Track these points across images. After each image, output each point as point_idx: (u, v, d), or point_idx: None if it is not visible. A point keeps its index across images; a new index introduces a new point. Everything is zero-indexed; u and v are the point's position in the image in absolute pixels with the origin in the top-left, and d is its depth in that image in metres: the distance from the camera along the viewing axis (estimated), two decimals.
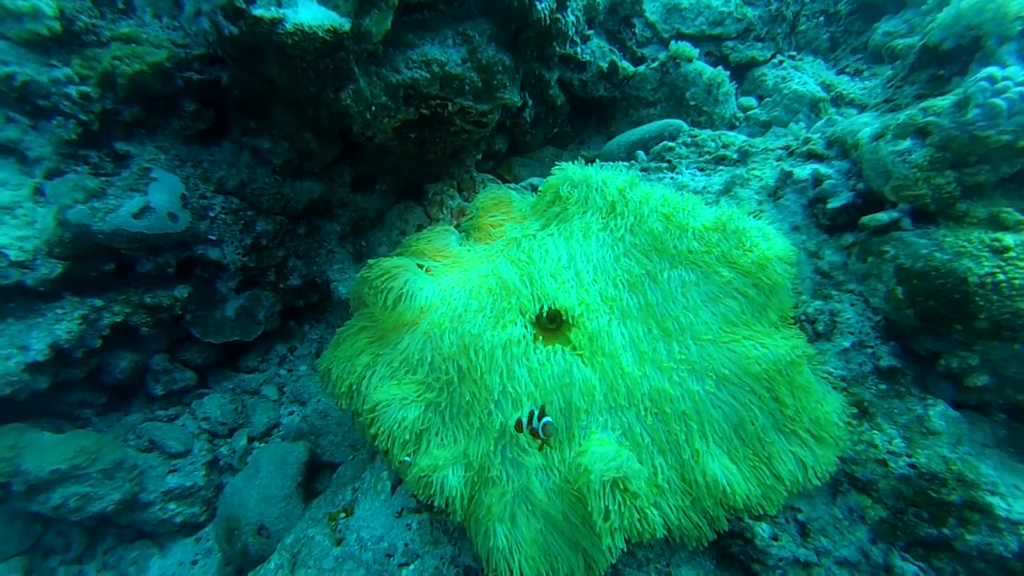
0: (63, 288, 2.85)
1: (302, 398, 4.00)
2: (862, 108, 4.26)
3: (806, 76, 4.50)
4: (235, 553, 3.10)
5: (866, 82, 4.62)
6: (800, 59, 4.92)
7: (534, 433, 2.08)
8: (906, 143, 2.15)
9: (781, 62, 4.66)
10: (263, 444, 3.77)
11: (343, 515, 2.70)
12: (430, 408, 2.38)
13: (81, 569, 3.14)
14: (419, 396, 2.41)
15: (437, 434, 2.36)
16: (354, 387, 2.55)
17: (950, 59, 2.34)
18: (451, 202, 4.00)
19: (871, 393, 2.20)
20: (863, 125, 2.50)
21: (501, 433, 2.26)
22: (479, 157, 4.31)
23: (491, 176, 4.30)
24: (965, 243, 1.99)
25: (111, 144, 2.88)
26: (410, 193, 4.33)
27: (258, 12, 2.36)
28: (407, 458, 2.29)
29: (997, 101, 1.85)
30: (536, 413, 2.08)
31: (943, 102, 2.09)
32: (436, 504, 2.22)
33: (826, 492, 2.18)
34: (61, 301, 2.85)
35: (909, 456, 1.99)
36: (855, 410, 2.18)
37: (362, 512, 2.67)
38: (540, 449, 2.19)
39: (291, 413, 4.00)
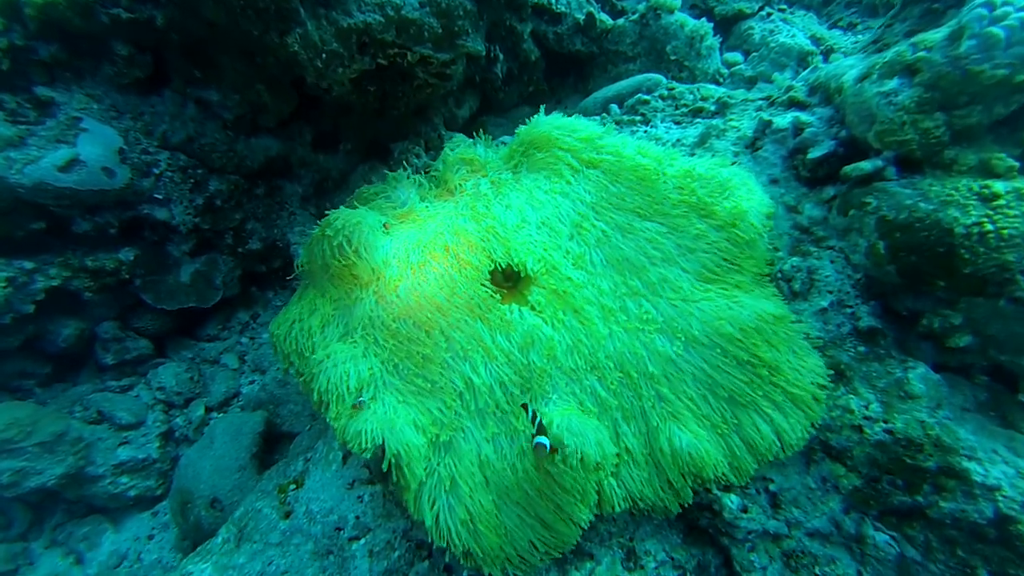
0: None
1: (263, 367, 3.83)
2: None
3: (795, 29, 4.27)
4: (189, 527, 2.97)
5: (859, 36, 4.39)
6: (791, 13, 4.67)
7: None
8: (892, 83, 1.97)
9: (769, 15, 4.42)
10: (221, 414, 3.62)
11: (293, 487, 2.56)
12: (381, 366, 2.21)
13: (26, 546, 3.00)
14: (373, 355, 2.24)
15: (388, 392, 2.19)
16: (304, 347, 2.38)
17: None
18: (417, 161, 3.77)
19: (849, 356, 2.06)
20: (848, 68, 2.31)
21: (457, 395, 2.11)
22: (448, 115, 4.07)
23: (461, 135, 4.06)
24: (952, 192, 1.83)
25: (30, 88, 2.62)
26: (376, 153, 4.09)
27: None
28: (363, 397, 2.07)
29: (995, 30, 1.66)
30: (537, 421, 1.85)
31: (935, 35, 1.90)
32: (385, 462, 2.03)
33: (799, 461, 2.06)
34: None
35: (886, 422, 1.86)
36: (832, 373, 2.03)
37: (312, 484, 2.53)
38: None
39: (252, 383, 3.83)
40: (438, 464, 2.11)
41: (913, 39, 1.96)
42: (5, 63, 2.45)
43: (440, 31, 3.06)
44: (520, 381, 2.07)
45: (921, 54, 1.89)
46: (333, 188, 4.10)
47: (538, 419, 1.82)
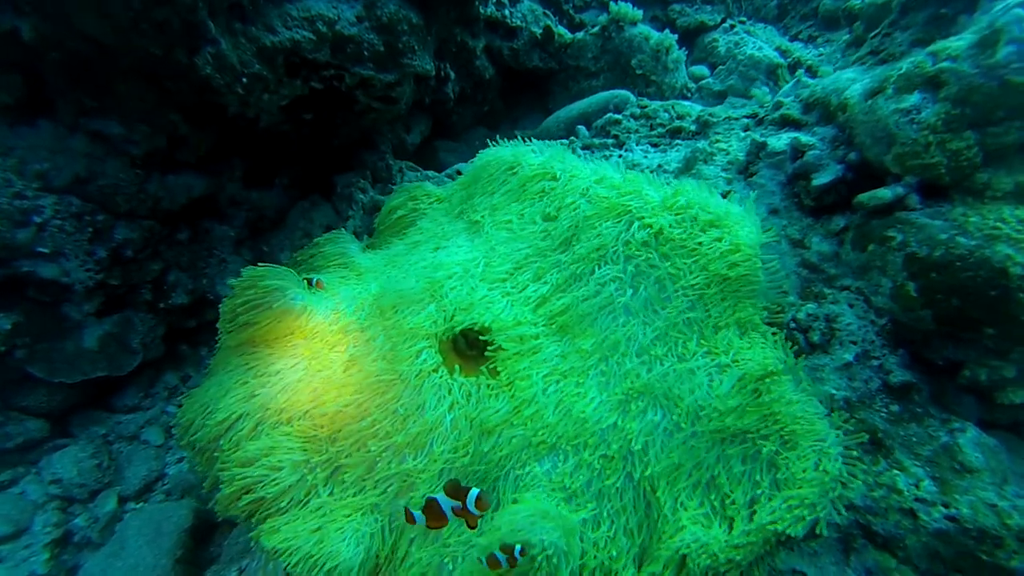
0: None
1: None
2: (815, 76, 3.88)
3: (760, 41, 4.08)
4: None
5: (821, 48, 4.25)
6: (752, 25, 4.50)
7: (468, 517, 1.43)
8: (913, 98, 1.69)
9: (733, 26, 4.23)
10: (140, 505, 3.03)
11: None
12: (308, 468, 1.75)
13: None
14: (300, 451, 1.77)
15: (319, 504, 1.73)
16: (213, 442, 1.91)
17: None
18: (363, 196, 3.34)
19: (883, 418, 1.74)
20: (849, 81, 2.03)
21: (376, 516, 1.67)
22: (396, 142, 3.66)
23: (411, 164, 3.66)
24: (999, 224, 1.55)
25: None
26: (317, 186, 3.64)
27: None
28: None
29: None
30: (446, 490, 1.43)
31: (958, 42, 1.63)
32: None
33: (835, 548, 1.72)
34: None
35: (946, 506, 1.53)
36: (866, 440, 1.70)
37: None
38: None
39: (180, 460, 3.26)
40: None
41: (931, 48, 1.69)
42: None
43: (382, 49, 2.66)
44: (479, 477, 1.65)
45: (945, 64, 1.62)
46: (270, 228, 3.62)
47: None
